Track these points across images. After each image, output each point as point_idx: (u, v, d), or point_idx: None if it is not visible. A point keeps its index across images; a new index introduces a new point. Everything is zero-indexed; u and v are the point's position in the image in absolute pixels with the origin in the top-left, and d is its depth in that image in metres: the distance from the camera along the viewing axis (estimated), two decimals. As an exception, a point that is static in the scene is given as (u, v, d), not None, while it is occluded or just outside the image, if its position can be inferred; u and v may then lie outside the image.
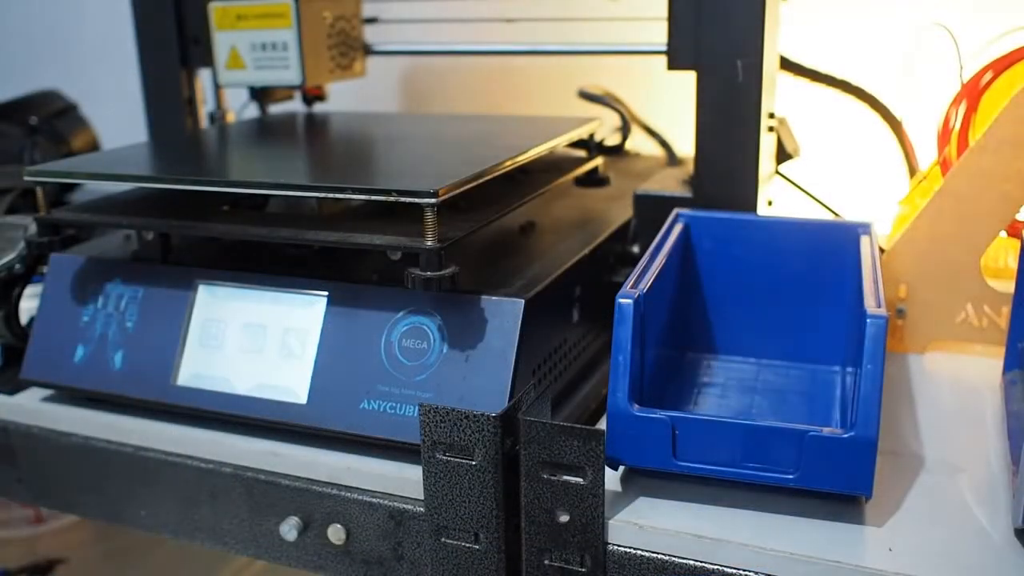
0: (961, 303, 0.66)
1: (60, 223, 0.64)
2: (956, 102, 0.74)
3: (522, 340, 0.54)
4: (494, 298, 0.55)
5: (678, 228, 0.62)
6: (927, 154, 0.80)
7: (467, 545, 0.51)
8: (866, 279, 0.53)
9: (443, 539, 0.51)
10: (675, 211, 0.64)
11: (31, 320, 0.68)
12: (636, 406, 0.50)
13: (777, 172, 0.76)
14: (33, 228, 0.65)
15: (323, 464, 0.57)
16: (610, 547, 0.49)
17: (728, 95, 0.65)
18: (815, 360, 0.63)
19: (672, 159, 0.94)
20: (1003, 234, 0.68)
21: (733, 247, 0.62)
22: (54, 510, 0.74)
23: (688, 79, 0.66)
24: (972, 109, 0.73)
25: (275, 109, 0.94)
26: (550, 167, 0.73)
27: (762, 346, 0.65)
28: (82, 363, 0.63)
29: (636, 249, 0.70)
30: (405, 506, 0.54)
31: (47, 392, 0.67)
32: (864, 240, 0.60)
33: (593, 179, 0.76)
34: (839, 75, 0.85)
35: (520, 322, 0.54)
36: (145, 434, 0.62)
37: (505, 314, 0.54)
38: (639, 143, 0.99)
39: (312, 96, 0.95)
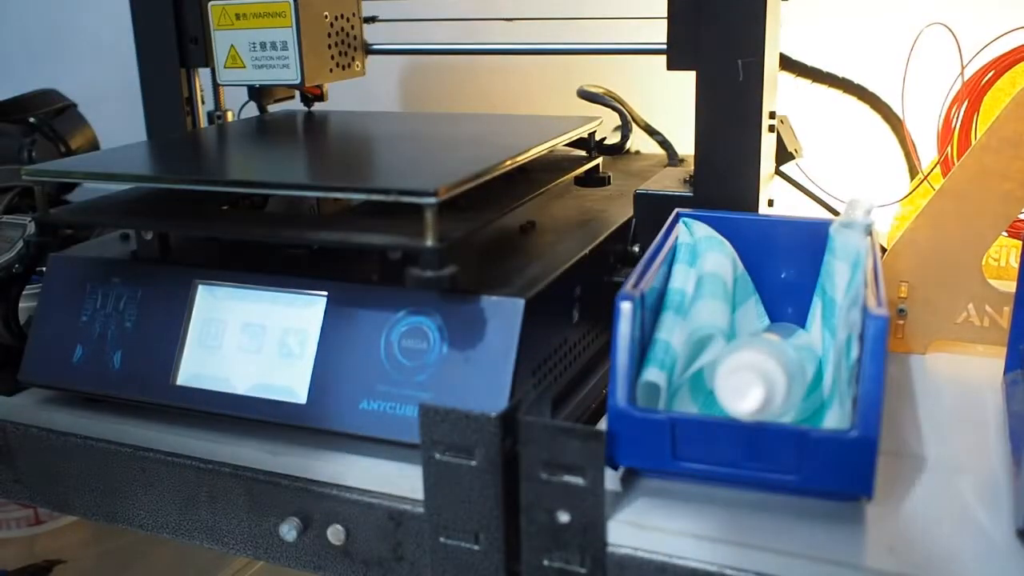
0: (962, 303, 0.66)
1: (59, 223, 0.64)
2: (957, 101, 0.74)
3: (522, 340, 0.54)
4: (494, 298, 0.55)
5: (678, 228, 0.62)
6: (928, 154, 0.80)
7: (467, 545, 0.51)
8: (867, 279, 0.53)
9: (443, 539, 0.51)
10: (675, 211, 0.64)
11: (29, 320, 0.67)
12: (636, 406, 0.50)
13: (777, 172, 0.76)
14: (32, 228, 0.65)
15: (323, 464, 0.56)
16: (610, 547, 0.49)
17: (728, 95, 0.65)
18: (816, 360, 0.63)
19: (672, 159, 0.94)
20: (1004, 234, 0.68)
21: (733, 247, 0.62)
22: (53, 511, 0.74)
23: (688, 79, 0.66)
24: (974, 108, 0.73)
25: (275, 108, 0.94)
26: (550, 167, 0.73)
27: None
28: (81, 363, 0.63)
29: (636, 249, 0.70)
30: (405, 506, 0.54)
31: (46, 393, 0.66)
32: (865, 240, 0.59)
33: (593, 179, 0.76)
34: (840, 74, 0.85)
35: (520, 322, 0.54)
36: (145, 434, 0.61)
37: (505, 314, 0.54)
38: (639, 143, 0.99)
39: (312, 96, 0.95)
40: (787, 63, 0.82)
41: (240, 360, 0.59)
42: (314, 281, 0.59)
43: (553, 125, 0.75)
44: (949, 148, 0.74)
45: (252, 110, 0.94)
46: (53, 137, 1.08)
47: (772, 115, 0.69)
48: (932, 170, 0.75)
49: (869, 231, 0.57)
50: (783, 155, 0.75)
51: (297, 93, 0.96)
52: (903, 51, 0.76)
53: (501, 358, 0.53)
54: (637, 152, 1.00)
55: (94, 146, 1.13)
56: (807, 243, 0.62)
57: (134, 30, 0.85)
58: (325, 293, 0.58)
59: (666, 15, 0.67)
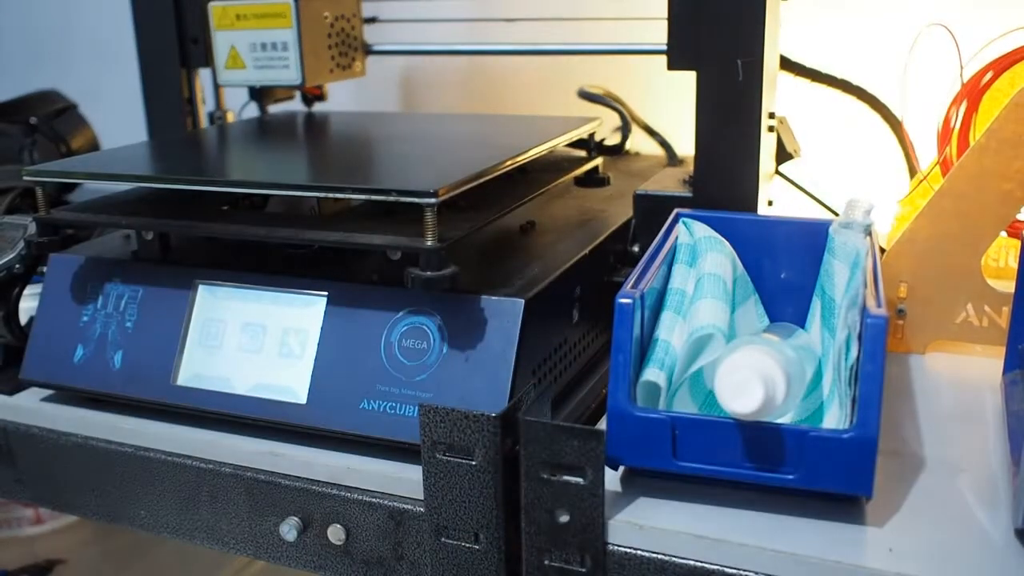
0: (961, 303, 0.66)
1: (59, 223, 0.64)
2: (956, 102, 0.74)
3: (522, 340, 0.54)
4: (494, 298, 0.55)
5: (678, 228, 0.62)
6: (927, 154, 0.80)
7: (467, 545, 0.51)
8: (866, 279, 0.53)
9: (443, 539, 0.51)
10: (675, 211, 0.64)
11: (31, 320, 0.68)
12: (636, 406, 0.50)
13: (777, 172, 0.76)
14: (33, 228, 0.65)
15: (323, 464, 0.57)
16: (610, 547, 0.49)
17: (728, 95, 0.65)
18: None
19: (672, 159, 0.94)
20: (1003, 234, 0.68)
21: (733, 247, 0.62)
22: (54, 510, 0.74)
23: (688, 79, 0.66)
24: (973, 109, 0.73)
25: (275, 109, 0.94)
26: (550, 167, 0.73)
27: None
28: (81, 363, 0.63)
29: (636, 249, 0.70)
30: (405, 506, 0.54)
31: (46, 392, 0.66)
32: (864, 240, 0.60)
33: (593, 179, 0.76)
34: (839, 75, 0.85)
35: (520, 322, 0.54)
36: (145, 434, 0.61)
37: (505, 314, 0.54)
38: (639, 143, 0.99)
39: (312, 96, 0.95)
40: (787, 63, 0.82)
41: (240, 360, 0.60)
42: (314, 281, 0.59)
43: (553, 125, 0.75)
44: (948, 148, 0.74)
45: (252, 110, 0.94)
46: (54, 137, 1.08)
47: (772, 115, 0.69)
48: (931, 170, 0.75)
49: (868, 231, 0.57)
50: (783, 155, 0.75)
51: (297, 93, 0.96)
52: (902, 51, 0.76)
53: (501, 358, 0.54)
54: (637, 152, 1.00)
55: (94, 146, 1.13)
56: (807, 243, 0.62)
57: (135, 30, 0.86)
58: (325, 293, 0.58)
59: (666, 15, 0.67)
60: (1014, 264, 0.75)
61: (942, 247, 0.65)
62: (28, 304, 0.68)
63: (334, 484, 0.56)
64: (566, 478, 0.48)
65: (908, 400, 0.62)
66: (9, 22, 1.44)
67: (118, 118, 1.12)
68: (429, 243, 0.53)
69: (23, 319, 0.69)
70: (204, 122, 0.89)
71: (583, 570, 0.49)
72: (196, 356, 0.61)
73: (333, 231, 0.57)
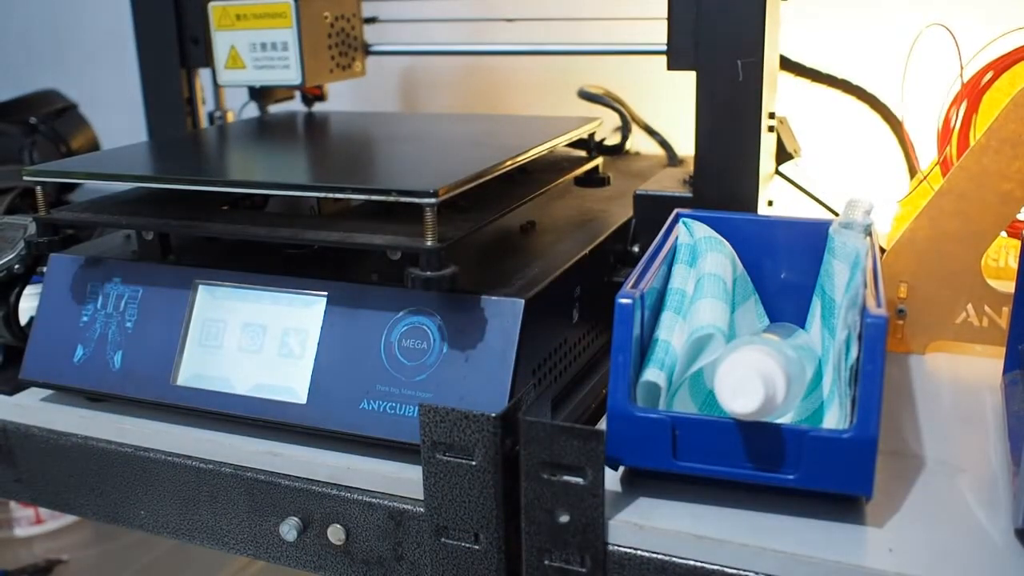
0: (961, 303, 0.66)
1: (59, 223, 0.64)
2: (957, 102, 0.74)
3: (522, 340, 0.54)
4: (494, 298, 0.55)
5: (678, 228, 0.62)
6: (927, 154, 0.80)
7: (467, 545, 0.51)
8: (866, 279, 0.53)
9: (443, 539, 0.51)
10: (675, 211, 0.64)
11: (30, 320, 0.68)
12: (636, 406, 0.50)
13: (777, 172, 0.76)
14: (32, 228, 0.65)
15: (323, 464, 0.57)
16: (610, 547, 0.49)
17: (728, 95, 0.65)
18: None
19: (672, 159, 0.94)
20: (1004, 234, 0.68)
21: (733, 247, 0.62)
22: (54, 510, 0.74)
23: (688, 79, 0.66)
24: (973, 109, 0.73)
25: (275, 109, 0.94)
26: (550, 167, 0.73)
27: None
28: (81, 363, 0.63)
29: (636, 249, 0.70)
30: (405, 506, 0.54)
31: (46, 392, 0.66)
32: (864, 240, 0.60)
33: (593, 179, 0.76)
34: (839, 75, 0.85)
35: (520, 322, 0.54)
36: (145, 434, 0.62)
37: (505, 314, 0.54)
38: (639, 143, 0.99)
39: (312, 96, 0.95)
40: (787, 63, 0.82)
41: (240, 360, 0.60)
42: (314, 281, 0.59)
43: (553, 125, 0.75)
44: (948, 148, 0.74)
45: (252, 110, 0.94)
46: (54, 137, 1.08)
47: (772, 115, 0.69)
48: (932, 170, 0.75)
49: (868, 231, 0.57)
50: (783, 155, 0.75)
51: (297, 93, 0.96)
52: (903, 51, 0.76)
53: (501, 358, 0.54)
54: (637, 152, 1.00)
55: (95, 146, 1.13)
56: (807, 243, 0.62)
57: (135, 30, 0.86)
58: (325, 293, 0.58)
59: (666, 15, 0.67)
60: (1014, 264, 0.75)
61: (942, 247, 0.65)
62: (28, 304, 0.68)
63: (334, 484, 0.56)
64: (566, 478, 0.48)
65: (908, 400, 0.62)
66: (9, 22, 1.44)
67: (118, 118, 1.12)
68: (429, 243, 0.53)
69: (23, 319, 0.69)
70: (204, 122, 0.89)
71: (583, 570, 0.49)
72: (196, 356, 0.61)
73: (333, 231, 0.57)
